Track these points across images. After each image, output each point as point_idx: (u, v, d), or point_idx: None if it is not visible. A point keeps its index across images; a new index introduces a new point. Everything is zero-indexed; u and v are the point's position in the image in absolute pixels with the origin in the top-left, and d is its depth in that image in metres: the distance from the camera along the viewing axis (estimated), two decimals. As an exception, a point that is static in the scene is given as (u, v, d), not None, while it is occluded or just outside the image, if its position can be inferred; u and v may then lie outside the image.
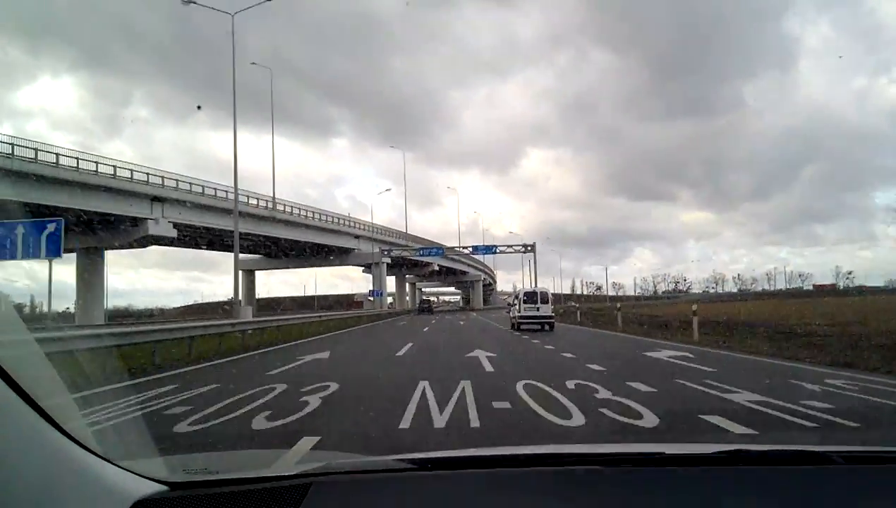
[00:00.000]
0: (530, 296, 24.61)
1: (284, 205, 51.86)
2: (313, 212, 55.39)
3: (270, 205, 49.69)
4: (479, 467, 1.51)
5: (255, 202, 47.48)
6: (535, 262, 59.48)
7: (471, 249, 69.27)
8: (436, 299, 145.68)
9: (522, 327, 24.04)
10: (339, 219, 59.85)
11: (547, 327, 24.00)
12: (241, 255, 50.06)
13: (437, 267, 75.02)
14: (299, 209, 53.76)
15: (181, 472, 1.48)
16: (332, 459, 1.82)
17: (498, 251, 66.19)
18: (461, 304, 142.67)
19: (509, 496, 1.31)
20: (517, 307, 25.32)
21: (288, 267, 69.15)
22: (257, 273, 68.07)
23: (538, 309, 24.09)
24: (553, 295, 27.73)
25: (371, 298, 65.79)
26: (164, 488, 1.25)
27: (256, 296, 71.27)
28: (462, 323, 36.54)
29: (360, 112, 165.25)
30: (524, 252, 62.59)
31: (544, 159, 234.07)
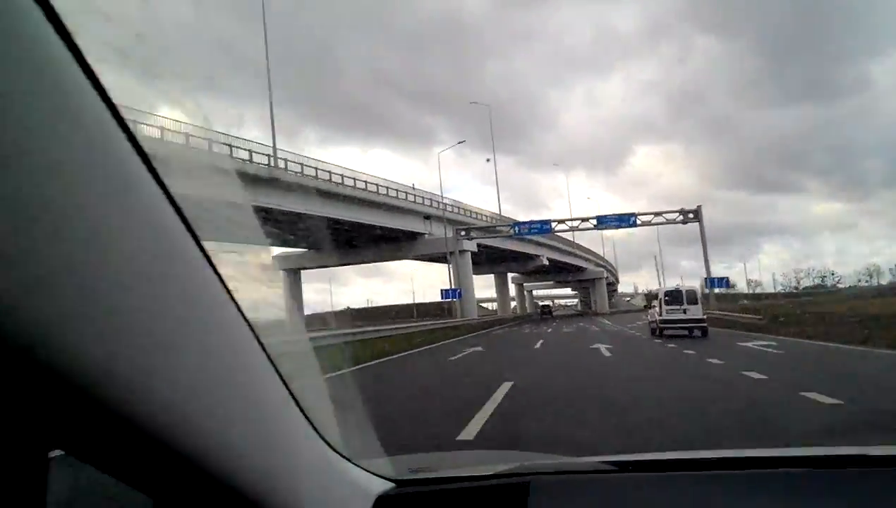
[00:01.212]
0: (674, 296, 20.91)
1: (336, 175, 38.28)
2: (374, 185, 40.78)
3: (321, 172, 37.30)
4: (687, 470, 1.47)
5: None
6: (702, 234, 41.79)
7: (594, 222, 47.53)
8: (551, 302, 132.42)
9: (666, 332, 20.64)
10: (398, 191, 42.95)
11: (698, 332, 20.12)
12: (281, 249, 37.79)
13: (545, 261, 59.82)
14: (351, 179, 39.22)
15: (407, 471, 1.48)
16: (536, 460, 1.93)
17: (639, 222, 46.53)
18: (579, 308, 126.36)
19: (721, 498, 1.27)
20: (657, 309, 21.60)
21: (339, 263, 55.22)
22: (303, 272, 53.38)
23: (685, 310, 20.50)
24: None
25: (452, 300, 47.74)
26: (392, 485, 1.30)
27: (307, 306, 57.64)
28: (593, 330, 31.29)
29: (459, 119, 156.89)
30: (683, 221, 43.65)
31: (653, 155, 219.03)
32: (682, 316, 20.39)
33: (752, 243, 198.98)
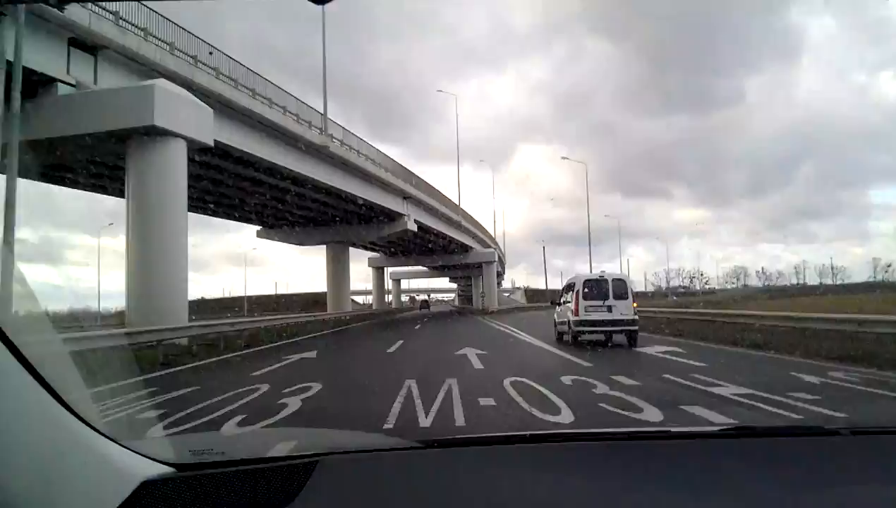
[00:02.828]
0: (597, 288, 14.74)
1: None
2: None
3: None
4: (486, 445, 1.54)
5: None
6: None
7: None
8: (427, 296, 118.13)
9: (582, 338, 14.74)
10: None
11: (622, 337, 14.59)
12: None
13: (412, 226, 39.47)
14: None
15: (188, 453, 1.47)
16: (338, 437, 2.05)
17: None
18: (456, 303, 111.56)
19: (515, 470, 1.33)
20: (572, 305, 14.86)
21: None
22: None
23: (609, 308, 14.48)
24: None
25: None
26: (171, 469, 1.25)
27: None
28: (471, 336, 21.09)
29: (346, 103, 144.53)
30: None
31: (539, 155, 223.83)
32: (607, 316, 14.32)
33: (617, 245, 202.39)
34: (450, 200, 47.96)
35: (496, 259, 60.16)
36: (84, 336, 10.34)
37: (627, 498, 1.18)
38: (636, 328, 14.47)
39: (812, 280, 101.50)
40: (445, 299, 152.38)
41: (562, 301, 16.64)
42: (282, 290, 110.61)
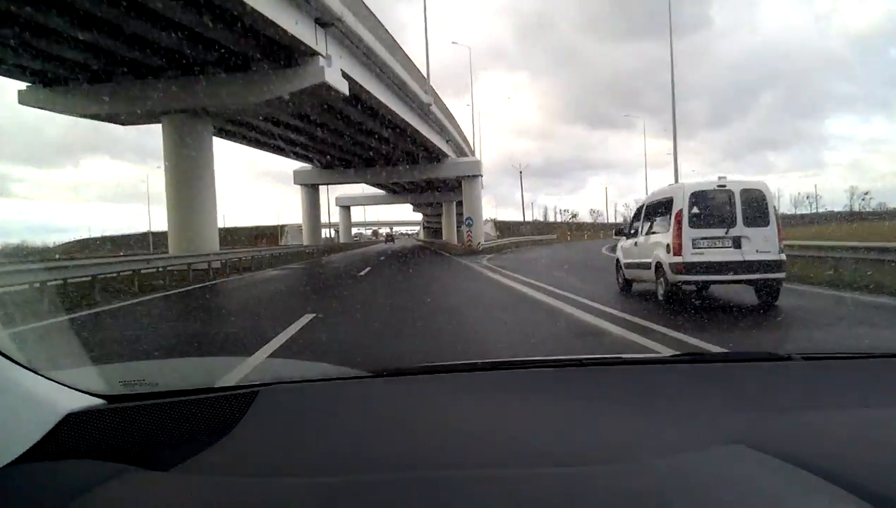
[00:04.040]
0: (713, 207, 8.48)
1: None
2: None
3: None
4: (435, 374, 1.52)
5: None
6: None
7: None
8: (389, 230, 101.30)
9: (684, 292, 8.56)
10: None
11: (761, 295, 8.42)
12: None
13: (340, 87, 19.27)
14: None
15: (118, 384, 1.38)
16: (283, 367, 2.01)
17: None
18: (421, 237, 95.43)
19: (464, 397, 1.31)
20: (666, 236, 8.64)
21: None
22: None
23: (738, 241, 8.22)
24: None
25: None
26: (100, 401, 1.19)
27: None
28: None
29: None
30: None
31: (501, 84, 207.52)
32: (734, 255, 8.14)
33: (580, 177, 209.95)
34: (413, 65, 28.94)
35: (481, 173, 41.83)
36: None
37: (578, 421, 1.17)
38: (782, 275, 8.20)
39: (786, 208, 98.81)
40: (409, 233, 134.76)
41: (631, 230, 10.30)
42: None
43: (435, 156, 40.06)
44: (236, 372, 1.79)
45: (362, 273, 18.22)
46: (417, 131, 32.11)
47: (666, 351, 4.58)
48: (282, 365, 2.31)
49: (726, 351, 2.03)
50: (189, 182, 19.51)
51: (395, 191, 62.75)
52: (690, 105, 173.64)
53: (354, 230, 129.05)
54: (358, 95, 23.37)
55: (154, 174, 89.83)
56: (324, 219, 49.45)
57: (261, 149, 36.44)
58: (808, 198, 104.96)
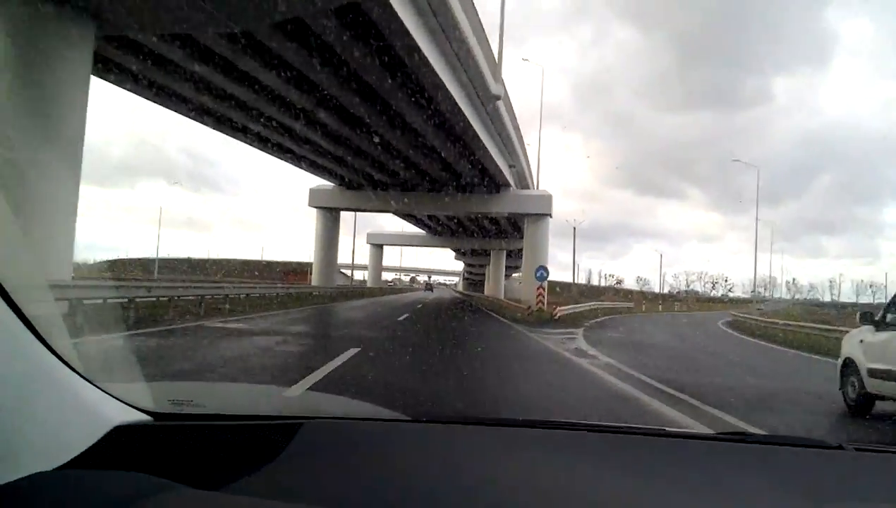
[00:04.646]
0: None
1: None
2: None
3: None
4: (474, 424, 1.54)
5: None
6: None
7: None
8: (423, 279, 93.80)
9: None
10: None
11: None
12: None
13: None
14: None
15: (166, 402, 1.41)
16: (325, 402, 2.09)
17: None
18: (460, 288, 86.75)
19: (502, 452, 1.31)
20: None
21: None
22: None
23: None
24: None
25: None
26: (147, 417, 1.23)
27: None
28: None
29: None
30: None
31: (555, 143, 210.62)
32: None
33: (624, 243, 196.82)
34: (483, 33, 19.49)
35: (550, 212, 31.70)
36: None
37: (616, 489, 1.15)
38: None
39: (847, 297, 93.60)
40: (447, 283, 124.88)
41: (887, 318, 6.81)
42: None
43: (493, 183, 30.31)
44: (278, 400, 2.04)
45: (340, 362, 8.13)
46: (477, 138, 22.49)
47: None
48: (323, 399, 2.43)
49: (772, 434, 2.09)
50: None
51: (436, 232, 53.23)
52: (745, 179, 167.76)
53: (386, 275, 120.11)
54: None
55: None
56: (347, 257, 39.95)
57: (265, 150, 27.41)
58: (870, 286, 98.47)
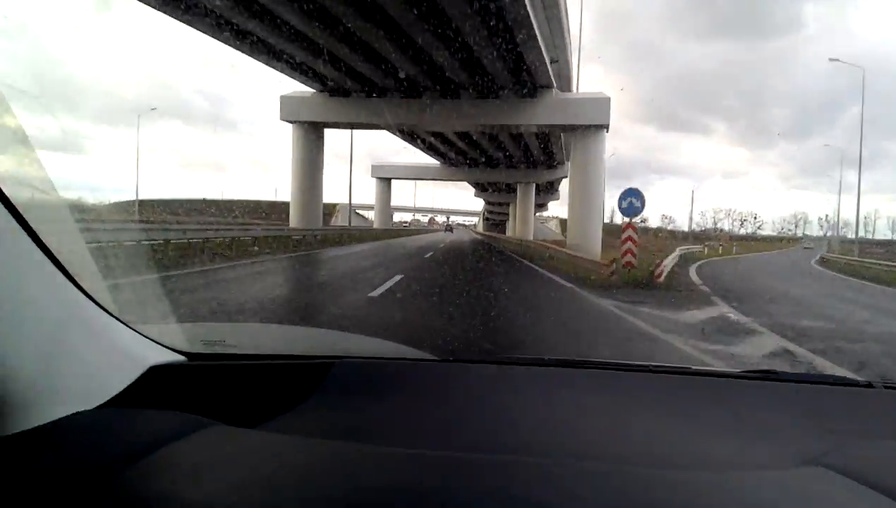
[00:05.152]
0: None
1: None
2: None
3: None
4: (501, 364, 1.51)
5: None
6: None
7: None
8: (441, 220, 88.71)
9: None
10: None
11: None
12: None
13: None
14: None
15: (199, 343, 1.45)
16: (356, 342, 2.05)
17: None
18: (480, 230, 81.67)
19: (529, 390, 1.32)
20: None
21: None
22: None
23: None
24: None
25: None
26: (181, 357, 1.25)
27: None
28: None
29: None
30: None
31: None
32: None
33: (646, 180, 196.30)
34: None
35: (608, 122, 23.16)
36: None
37: (645, 426, 1.15)
38: None
39: (882, 233, 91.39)
40: (467, 224, 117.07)
41: None
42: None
43: (531, 83, 21.77)
44: (307, 340, 2.02)
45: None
46: (519, 4, 14.05)
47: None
48: (352, 339, 2.36)
49: (800, 371, 1.91)
50: None
51: (452, 162, 44.76)
52: (772, 112, 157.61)
53: (401, 216, 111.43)
54: None
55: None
56: (359, 197, 31.94)
57: (221, 39, 19.15)
58: None
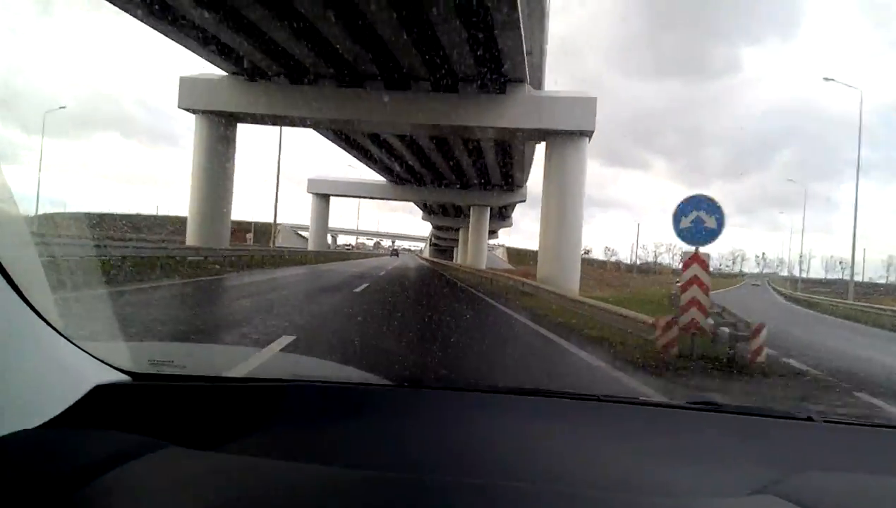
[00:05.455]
0: None
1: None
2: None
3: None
4: (455, 390, 1.54)
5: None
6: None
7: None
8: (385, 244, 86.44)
9: None
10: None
11: None
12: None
13: None
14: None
15: (146, 363, 1.39)
16: (306, 365, 1.98)
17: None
18: (426, 255, 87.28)
19: (484, 417, 1.31)
20: None
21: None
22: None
23: None
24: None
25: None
26: (126, 377, 1.21)
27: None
28: None
29: None
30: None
31: None
32: None
33: (589, 212, 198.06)
34: None
35: (593, 127, 19.00)
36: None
37: (595, 452, 1.17)
38: None
39: (815, 273, 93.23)
40: (411, 249, 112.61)
41: None
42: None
43: (499, 75, 17.36)
44: (256, 361, 2.00)
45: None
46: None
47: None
48: (305, 362, 2.26)
49: (744, 404, 2.04)
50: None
51: (399, 179, 39.89)
52: (709, 151, 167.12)
53: (342, 239, 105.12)
54: None
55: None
56: (298, 217, 26.56)
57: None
58: (840, 263, 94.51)
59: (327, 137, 27.60)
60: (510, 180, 37.21)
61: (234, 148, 19.76)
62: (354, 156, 32.75)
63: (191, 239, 19.21)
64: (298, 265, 25.07)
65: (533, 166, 34.07)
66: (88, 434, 0.95)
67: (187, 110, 18.87)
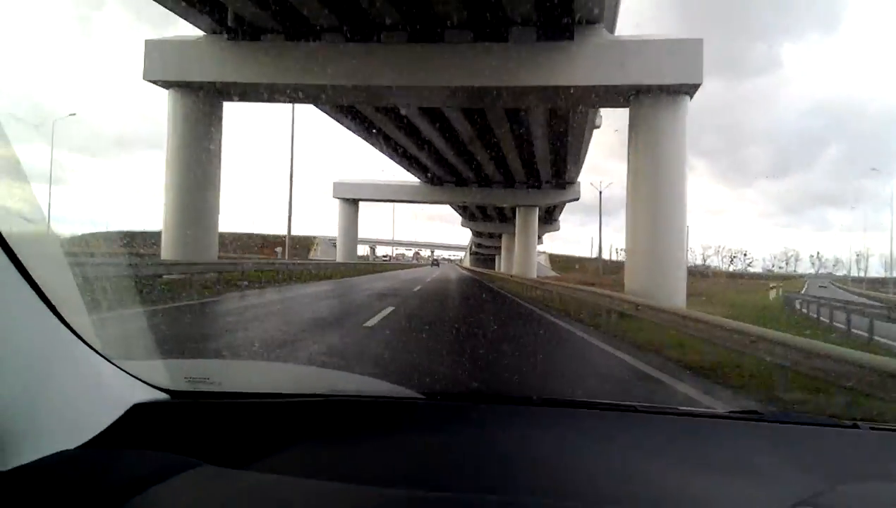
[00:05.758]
0: None
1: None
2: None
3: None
4: (488, 403, 1.51)
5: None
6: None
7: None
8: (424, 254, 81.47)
9: None
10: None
11: None
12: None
13: None
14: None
15: (183, 380, 1.39)
16: (341, 380, 1.98)
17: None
18: (467, 264, 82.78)
19: (516, 430, 1.30)
20: None
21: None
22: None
23: None
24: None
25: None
26: (164, 395, 1.22)
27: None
28: None
29: None
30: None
31: None
32: None
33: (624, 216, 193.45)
34: None
35: (700, 80, 14.11)
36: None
37: (630, 465, 1.14)
38: None
39: (875, 271, 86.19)
40: (451, 258, 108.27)
41: None
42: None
43: (566, 12, 12.50)
44: (293, 377, 1.95)
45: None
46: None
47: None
48: (339, 376, 2.25)
49: (786, 412, 2.03)
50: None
51: (435, 179, 35.25)
52: (751, 151, 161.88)
53: (381, 250, 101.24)
54: None
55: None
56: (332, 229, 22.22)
57: None
58: None
59: (340, 122, 23.02)
60: (561, 175, 32.11)
61: (219, 129, 15.35)
62: (379, 149, 28.10)
63: (167, 251, 14.83)
64: (316, 281, 20.53)
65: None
66: (125, 453, 0.96)
67: (155, 83, 14.54)
